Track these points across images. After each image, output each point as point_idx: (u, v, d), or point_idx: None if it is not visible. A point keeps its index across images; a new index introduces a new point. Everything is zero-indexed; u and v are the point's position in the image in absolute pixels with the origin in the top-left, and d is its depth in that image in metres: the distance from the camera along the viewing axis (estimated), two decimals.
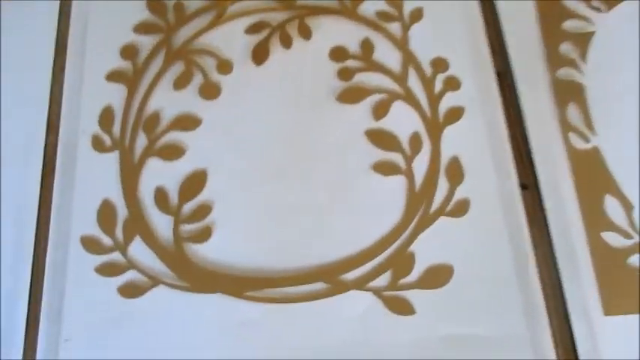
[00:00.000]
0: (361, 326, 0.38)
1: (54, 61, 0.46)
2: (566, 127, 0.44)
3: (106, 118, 0.44)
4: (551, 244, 0.41)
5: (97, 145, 0.43)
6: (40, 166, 0.43)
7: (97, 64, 0.46)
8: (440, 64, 0.46)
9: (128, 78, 0.45)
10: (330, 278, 0.39)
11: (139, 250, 0.40)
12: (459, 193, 0.42)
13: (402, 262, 0.40)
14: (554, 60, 0.46)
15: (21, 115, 0.44)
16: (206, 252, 0.40)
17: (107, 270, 0.40)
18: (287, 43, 0.46)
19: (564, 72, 0.46)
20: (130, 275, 0.40)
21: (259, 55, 0.46)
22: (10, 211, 0.42)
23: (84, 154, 0.43)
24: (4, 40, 0.47)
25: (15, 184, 0.42)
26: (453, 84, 0.45)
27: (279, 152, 0.43)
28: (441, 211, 0.41)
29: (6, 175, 0.43)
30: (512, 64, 0.46)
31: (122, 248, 0.40)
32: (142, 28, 0.47)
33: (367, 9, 0.48)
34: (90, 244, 0.41)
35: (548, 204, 0.42)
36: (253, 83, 0.45)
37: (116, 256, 0.40)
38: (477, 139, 0.44)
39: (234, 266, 0.40)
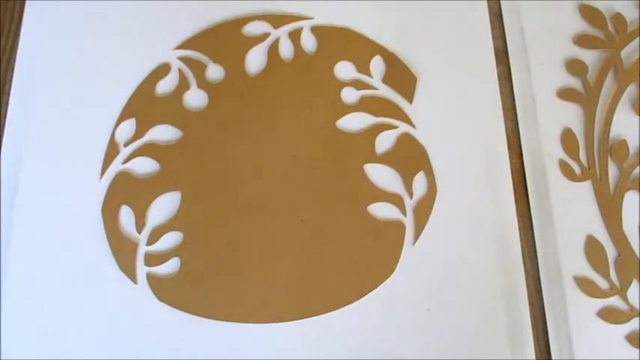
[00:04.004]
0: None
1: (497, 72, 0.42)
2: None
3: (568, 141, 0.40)
4: None
5: (567, 172, 0.39)
6: (511, 190, 0.39)
7: (544, 77, 0.42)
8: None
9: (581, 97, 0.41)
10: None
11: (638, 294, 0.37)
12: None
13: None
14: None
15: (479, 126, 0.40)
16: None
17: (610, 315, 0.36)
18: None
19: None
20: (636, 324, 0.36)
21: None
22: (489, 236, 0.38)
23: (554, 182, 0.39)
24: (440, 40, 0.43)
25: (488, 204, 0.39)
26: None
27: None
28: None
29: (477, 190, 0.39)
30: None
31: (620, 292, 0.37)
32: (583, 42, 0.43)
33: None
34: (586, 286, 0.37)
35: None
36: None
37: (615, 300, 0.37)
38: None
39: None
